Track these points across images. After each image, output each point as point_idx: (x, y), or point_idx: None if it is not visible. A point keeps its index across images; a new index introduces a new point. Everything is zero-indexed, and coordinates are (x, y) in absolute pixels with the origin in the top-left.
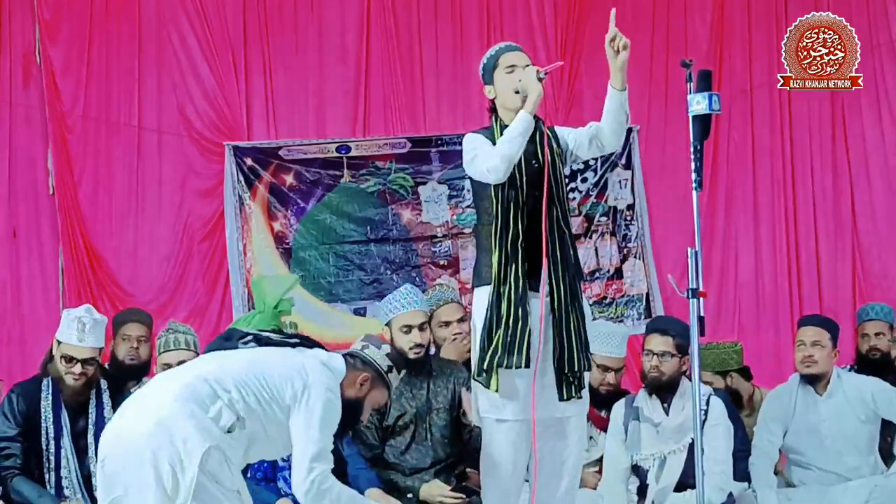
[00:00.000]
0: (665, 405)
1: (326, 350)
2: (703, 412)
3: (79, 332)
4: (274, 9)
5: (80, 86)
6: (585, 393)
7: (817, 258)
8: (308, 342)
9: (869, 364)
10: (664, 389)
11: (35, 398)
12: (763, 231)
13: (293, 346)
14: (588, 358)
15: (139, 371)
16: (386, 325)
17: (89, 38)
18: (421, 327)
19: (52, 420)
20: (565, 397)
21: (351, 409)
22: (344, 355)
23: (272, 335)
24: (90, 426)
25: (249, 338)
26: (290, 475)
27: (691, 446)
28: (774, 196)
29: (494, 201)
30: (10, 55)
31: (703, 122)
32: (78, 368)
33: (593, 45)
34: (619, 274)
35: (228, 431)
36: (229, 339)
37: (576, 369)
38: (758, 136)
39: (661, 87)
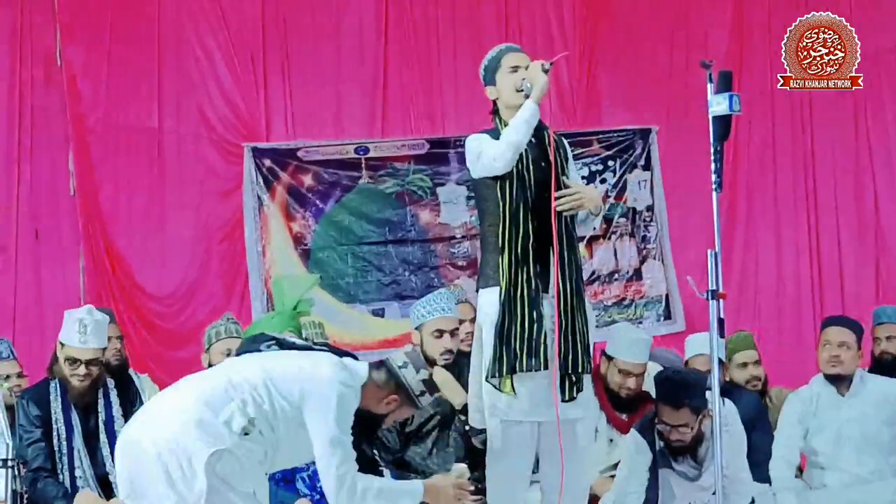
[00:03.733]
0: (701, 455)
1: (356, 358)
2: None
3: (80, 333)
4: (292, 11)
5: (100, 88)
6: (592, 395)
7: (839, 259)
8: (335, 352)
9: (881, 367)
10: (691, 451)
11: (45, 401)
12: (784, 232)
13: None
14: (590, 360)
15: (123, 369)
16: (416, 328)
17: (109, 40)
18: (452, 333)
19: (62, 421)
20: (566, 398)
21: (370, 420)
22: (377, 364)
23: (297, 341)
24: (101, 424)
25: (273, 342)
26: (308, 476)
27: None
28: (796, 197)
29: (502, 203)
30: (31, 57)
31: (724, 122)
32: (82, 370)
33: (610, 47)
34: (638, 275)
35: (245, 434)
36: (255, 342)
37: (579, 370)
38: (779, 137)
39: (680, 88)
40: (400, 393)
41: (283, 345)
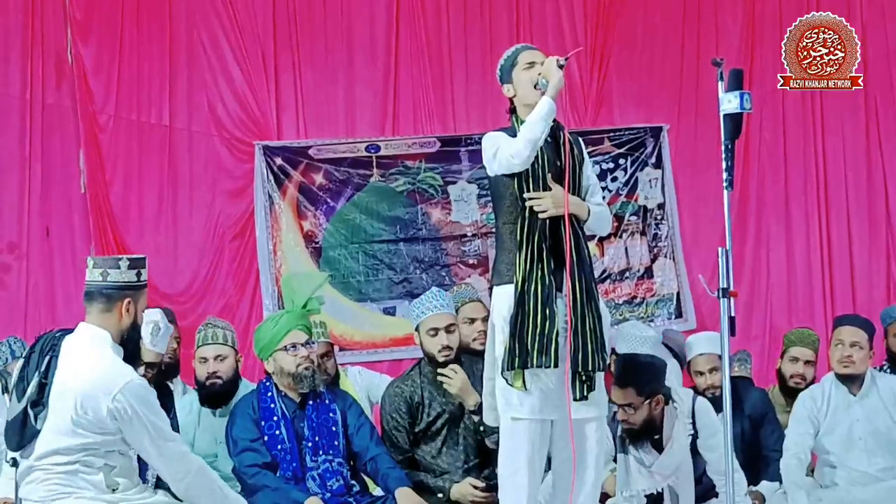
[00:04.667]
0: (655, 437)
1: (75, 327)
2: (691, 425)
3: (153, 335)
4: (303, 9)
5: (112, 85)
6: (604, 396)
7: (851, 258)
8: (50, 346)
9: None
10: (643, 435)
11: None
12: (795, 230)
13: (51, 366)
14: (605, 358)
15: (176, 368)
16: (416, 329)
17: (120, 37)
18: (448, 329)
19: None
20: (577, 397)
21: (131, 338)
22: (87, 300)
23: (30, 389)
24: None
25: (31, 413)
26: (318, 475)
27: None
28: (807, 195)
29: (520, 201)
30: (43, 55)
31: (735, 120)
32: (141, 370)
33: (622, 46)
34: (649, 273)
35: (114, 490)
36: (24, 433)
37: (589, 369)
38: (790, 135)
39: (691, 86)
40: (126, 293)
41: (38, 403)
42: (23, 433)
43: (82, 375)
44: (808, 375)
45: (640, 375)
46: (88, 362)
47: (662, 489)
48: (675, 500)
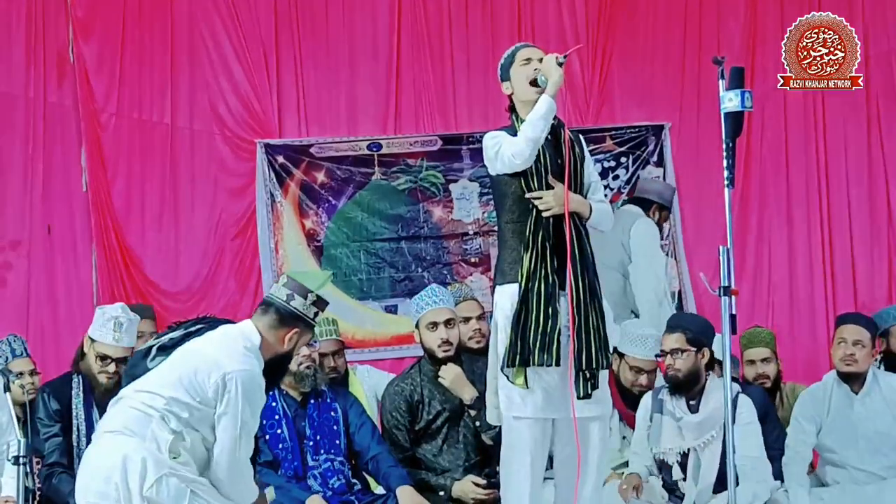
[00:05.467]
0: (692, 402)
1: (233, 321)
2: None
3: (115, 331)
4: (305, 7)
5: (114, 84)
6: (608, 395)
7: (852, 257)
8: (210, 322)
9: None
10: (685, 387)
11: (66, 395)
12: (797, 229)
13: (198, 332)
14: (608, 357)
15: None
16: (416, 326)
17: (122, 36)
18: (447, 324)
19: (83, 417)
20: (581, 395)
21: (280, 363)
22: (263, 307)
23: (172, 334)
24: None
25: (153, 353)
26: (320, 474)
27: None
28: (809, 194)
29: (523, 201)
30: (44, 53)
31: (736, 119)
32: (112, 367)
33: (624, 44)
34: None
35: (175, 458)
36: (137, 365)
37: (594, 367)
38: (791, 134)
39: (693, 84)
40: (298, 324)
41: (164, 348)
42: (136, 366)
43: (211, 345)
44: (771, 373)
45: (689, 321)
46: (225, 340)
47: (688, 451)
48: (696, 468)
